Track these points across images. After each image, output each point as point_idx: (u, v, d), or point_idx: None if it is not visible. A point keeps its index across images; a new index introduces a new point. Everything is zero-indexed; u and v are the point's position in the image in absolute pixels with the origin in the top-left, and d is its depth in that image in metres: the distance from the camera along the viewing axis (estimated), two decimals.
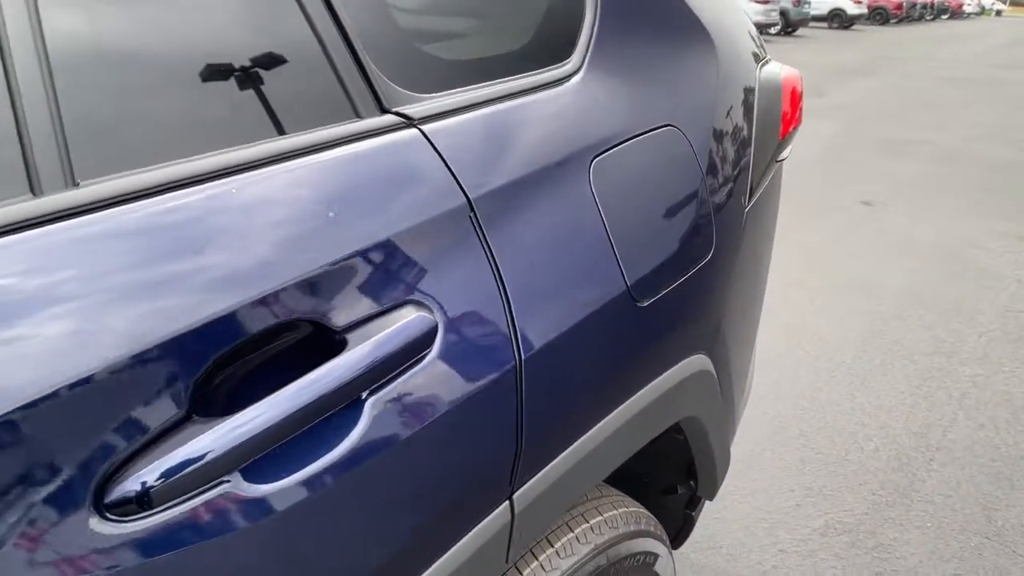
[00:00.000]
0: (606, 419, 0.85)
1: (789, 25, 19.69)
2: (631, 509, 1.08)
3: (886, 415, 2.56)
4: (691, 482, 1.25)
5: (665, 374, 0.95)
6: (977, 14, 37.69)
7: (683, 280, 0.93)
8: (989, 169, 5.97)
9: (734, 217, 1.06)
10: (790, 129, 1.26)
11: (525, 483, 0.74)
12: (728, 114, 1.06)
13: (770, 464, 2.29)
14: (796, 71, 1.34)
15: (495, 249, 0.69)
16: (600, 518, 1.00)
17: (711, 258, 0.98)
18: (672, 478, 1.28)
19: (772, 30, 19.21)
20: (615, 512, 1.04)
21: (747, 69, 1.17)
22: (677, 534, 1.37)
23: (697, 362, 1.02)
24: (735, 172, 1.06)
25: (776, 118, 1.21)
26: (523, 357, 0.70)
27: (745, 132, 1.11)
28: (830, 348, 3.01)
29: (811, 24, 22.69)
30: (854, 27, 24.21)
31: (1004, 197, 5.18)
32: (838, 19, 23.58)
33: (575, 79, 0.86)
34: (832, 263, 3.92)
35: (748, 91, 1.15)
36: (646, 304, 0.86)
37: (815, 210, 4.82)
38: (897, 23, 27.06)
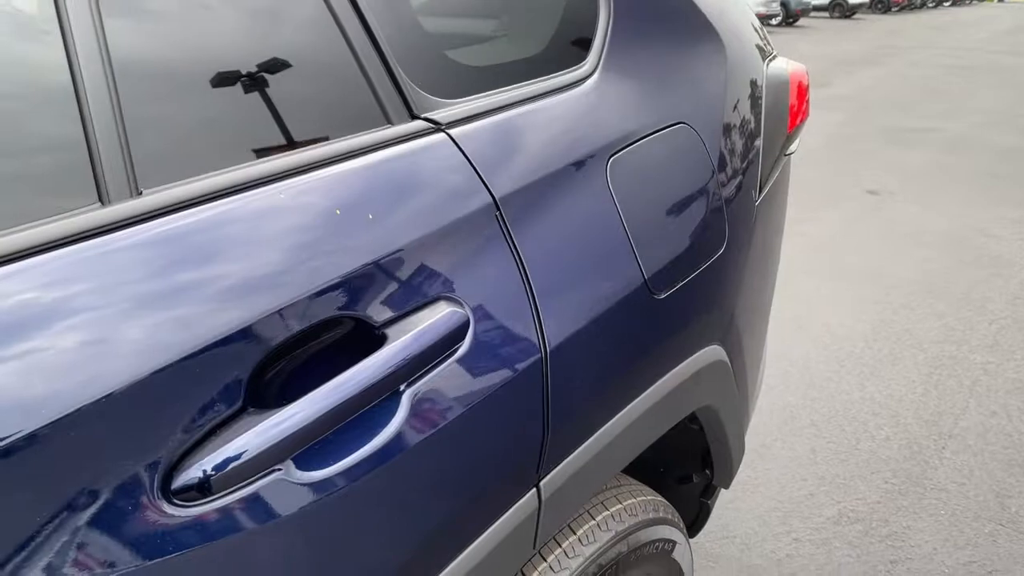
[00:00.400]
0: (626, 409, 0.87)
1: (790, 16, 19.63)
2: (649, 497, 1.10)
3: (897, 404, 2.58)
4: (706, 471, 1.27)
5: (681, 365, 0.97)
6: (980, 0, 37.46)
7: (697, 273, 0.95)
8: (997, 156, 5.95)
9: (745, 210, 1.08)
10: (798, 122, 1.27)
11: (551, 471, 0.76)
12: (737, 110, 1.08)
13: (782, 454, 2.31)
14: (802, 65, 1.36)
15: (520, 246, 0.72)
16: (620, 506, 1.02)
17: (724, 251, 1.00)
18: (688, 467, 1.30)
19: (773, 21, 19.15)
20: (634, 500, 1.06)
21: (754, 65, 1.18)
22: (693, 522, 1.39)
23: (712, 353, 1.04)
24: (745, 166, 1.08)
25: (784, 112, 1.22)
26: (548, 349, 0.72)
27: (754, 127, 1.13)
28: (839, 338, 3.03)
29: (812, 14, 22.61)
30: (855, 16, 24.12)
31: (1013, 184, 5.17)
32: (839, 8, 23.49)
33: (591, 81, 0.88)
34: (840, 253, 3.92)
35: (756, 87, 1.17)
36: (663, 296, 0.88)
37: (822, 200, 4.82)
38: (899, 11, 26.94)
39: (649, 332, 0.87)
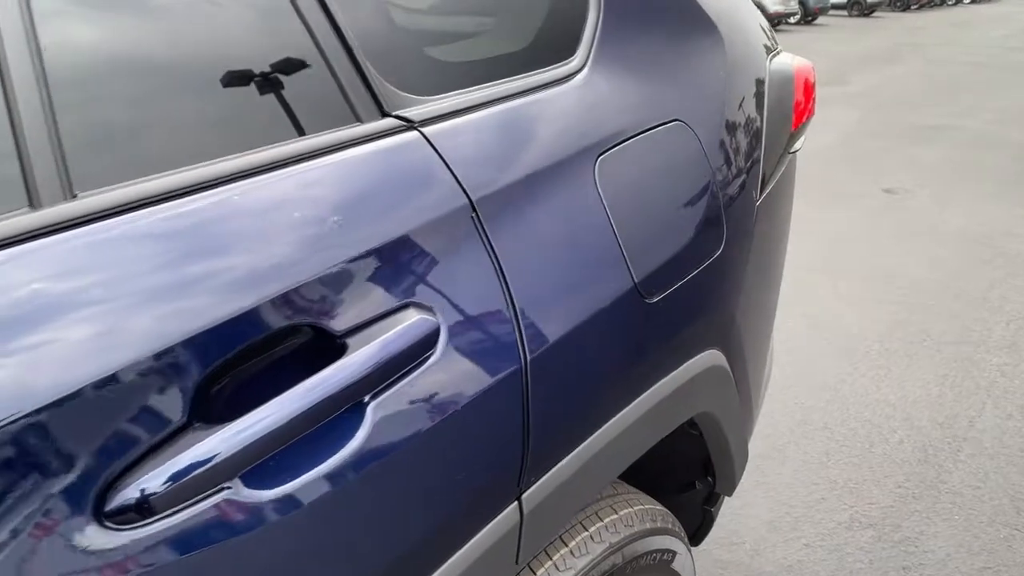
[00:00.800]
0: (616, 417, 0.84)
1: (808, 14, 19.43)
2: (647, 506, 1.07)
3: (911, 406, 2.52)
4: (708, 478, 1.24)
5: (677, 370, 0.94)
6: None
7: (693, 276, 0.92)
8: (1015, 154, 5.84)
9: (745, 211, 1.05)
10: (803, 120, 1.24)
11: (533, 484, 0.74)
12: (738, 107, 1.05)
13: (793, 457, 2.26)
14: (808, 62, 1.32)
15: (498, 249, 0.69)
16: (615, 516, 1.00)
17: (722, 253, 0.97)
18: (689, 474, 1.27)
19: (791, 19, 18.97)
20: (630, 510, 1.03)
21: (757, 60, 1.15)
22: (696, 531, 1.36)
23: (710, 357, 1.01)
24: (746, 165, 1.05)
25: (788, 109, 1.19)
26: (528, 357, 0.70)
27: (756, 124, 1.10)
28: (853, 338, 2.97)
29: (831, 12, 22.36)
30: (874, 14, 23.83)
31: None
32: (858, 6, 23.21)
33: (579, 76, 0.86)
34: (854, 252, 3.86)
35: (759, 83, 1.14)
36: (655, 300, 0.85)
37: (836, 199, 4.75)
38: (918, 9, 26.58)
39: (640, 337, 0.85)
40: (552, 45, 0.87)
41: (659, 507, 1.11)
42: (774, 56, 1.22)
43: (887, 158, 5.80)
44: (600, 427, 0.82)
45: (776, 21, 17.87)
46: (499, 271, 0.69)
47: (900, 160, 5.73)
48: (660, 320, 0.87)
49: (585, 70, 0.87)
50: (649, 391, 0.89)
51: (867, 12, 23.35)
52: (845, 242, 4.02)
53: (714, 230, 0.96)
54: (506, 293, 0.69)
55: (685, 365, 0.95)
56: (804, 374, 2.72)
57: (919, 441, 2.34)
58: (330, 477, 0.54)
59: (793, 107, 1.20)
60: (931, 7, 27.51)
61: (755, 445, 2.31)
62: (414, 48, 0.74)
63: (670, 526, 1.11)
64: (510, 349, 0.68)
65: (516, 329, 0.69)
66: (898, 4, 25.89)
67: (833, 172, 5.43)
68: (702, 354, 0.99)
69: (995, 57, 12.06)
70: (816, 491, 2.12)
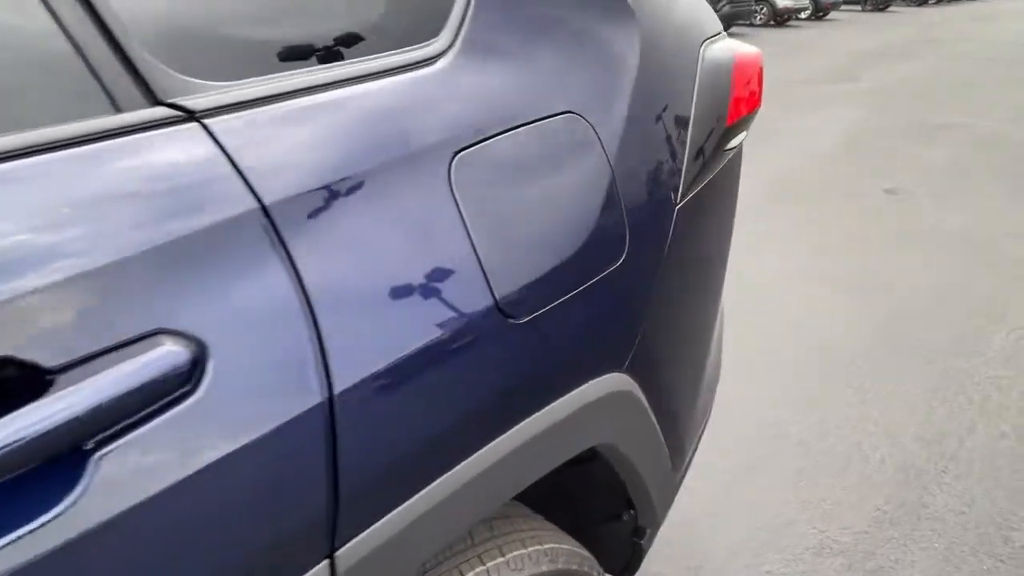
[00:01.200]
0: (475, 455, 0.72)
1: (820, 9, 19.10)
2: (547, 546, 0.95)
3: (896, 422, 2.38)
4: (632, 510, 1.11)
5: (562, 399, 0.81)
6: None
7: (581, 290, 0.79)
8: None
9: (659, 215, 0.92)
10: (743, 114, 1.11)
11: (352, 539, 0.62)
12: (652, 98, 0.92)
13: (764, 475, 2.13)
14: (755, 49, 1.19)
15: (300, 263, 0.57)
16: (501, 559, 0.88)
17: (622, 263, 0.84)
18: (613, 505, 1.15)
19: (802, 15, 18.66)
20: (523, 551, 0.91)
21: (683, 46, 1.02)
22: (626, 565, 1.24)
23: (612, 382, 0.88)
24: (661, 164, 0.92)
25: (723, 102, 1.06)
26: (336, 391, 0.58)
27: (678, 118, 0.97)
28: (840, 348, 2.82)
29: (844, 7, 21.99)
30: (890, 8, 23.41)
31: None
32: (872, 1, 22.81)
33: (443, 61, 0.73)
34: (848, 255, 3.70)
35: (685, 71, 1.01)
36: (524, 320, 0.73)
37: (835, 199, 4.58)
38: (937, 3, 26.09)
39: (504, 363, 0.72)
40: (410, 23, 0.74)
41: (565, 544, 0.99)
42: (710, 42, 1.09)
43: (892, 157, 5.62)
44: (451, 467, 0.69)
45: (786, 17, 17.57)
46: (300, 289, 0.57)
47: (905, 160, 5.54)
48: (534, 342, 0.74)
49: (451, 54, 0.74)
50: (524, 423, 0.77)
51: (882, 7, 22.93)
52: (839, 245, 3.86)
53: (612, 238, 0.83)
54: (308, 315, 0.57)
55: (575, 392, 0.83)
56: (783, 385, 2.58)
57: (902, 460, 2.19)
58: (30, 545, 0.43)
59: (730, 101, 1.07)
60: (950, 1, 27.00)
61: (724, 461, 2.18)
62: (208, 25, 0.62)
63: (577, 567, 0.99)
64: (309, 382, 0.56)
65: (319, 358, 0.57)
66: None
67: (834, 172, 5.26)
68: (600, 379, 0.86)
69: (1014, 53, 11.74)
70: (785, 513, 1.98)
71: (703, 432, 1.29)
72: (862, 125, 6.75)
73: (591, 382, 0.85)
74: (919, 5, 25.32)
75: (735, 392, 2.50)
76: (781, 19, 17.67)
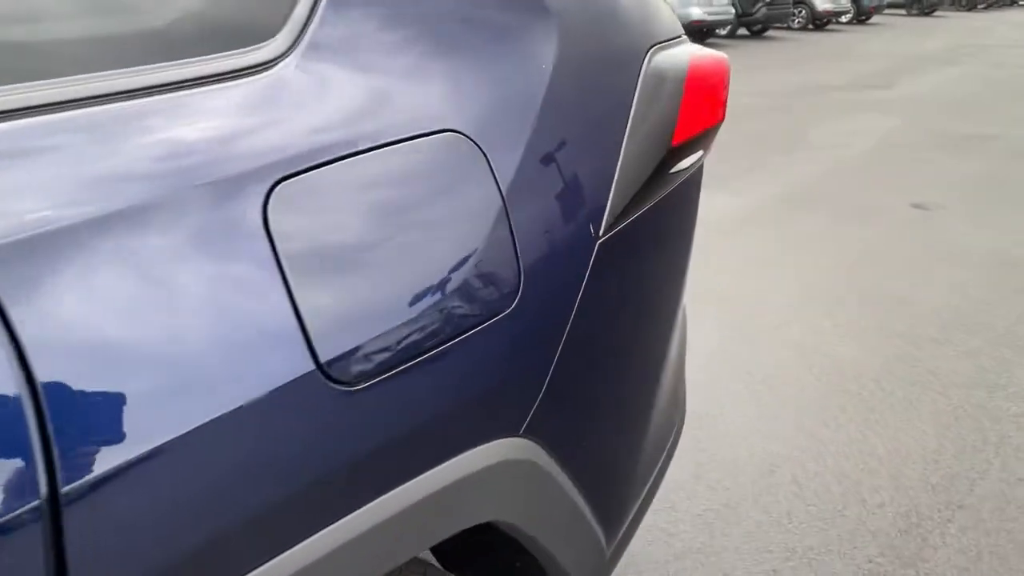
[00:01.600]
0: (308, 541, 0.59)
1: (862, 13, 18.57)
2: None
3: (902, 461, 2.19)
4: None
5: (433, 471, 0.68)
6: None
7: (450, 345, 0.66)
8: None
9: (571, 251, 0.78)
10: (695, 132, 0.96)
11: None
12: (570, 113, 0.78)
13: (749, 516, 1.96)
14: (719, 55, 1.04)
15: (20, 329, 0.45)
16: None
17: (514, 309, 0.71)
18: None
19: (843, 18, 18.15)
20: None
21: (620, 51, 0.88)
22: None
23: (503, 449, 0.74)
24: (576, 191, 0.78)
25: (669, 117, 0.91)
26: (62, 489, 0.45)
27: (604, 136, 0.83)
28: (846, 375, 2.63)
29: (887, 11, 21.36)
30: (936, 13, 22.68)
31: None
32: (918, 5, 22.12)
33: (278, 68, 0.60)
34: (865, 274, 3.49)
35: (619, 81, 0.87)
36: (362, 387, 0.60)
37: (857, 214, 4.35)
38: (985, 8, 25.23)
39: (335, 436, 0.59)
40: (236, 19, 0.61)
41: None
42: (660, 48, 0.94)
43: (922, 170, 5.35)
44: (273, 556, 0.57)
45: (825, 20, 17.10)
46: (19, 359, 0.45)
47: (936, 172, 5.27)
48: (376, 409, 0.61)
49: (290, 59, 0.61)
50: (382, 499, 0.64)
51: (928, 11, 22.23)
52: (857, 263, 3.64)
53: (499, 280, 0.69)
54: (30, 396, 0.45)
55: (449, 464, 0.69)
56: (780, 415, 2.40)
57: (904, 505, 2.01)
58: None
59: (678, 115, 0.92)
60: (999, 7, 26.08)
61: (707, 497, 2.02)
62: None
63: None
64: (25, 489, 0.44)
65: (39, 456, 0.45)
66: (963, 3, 24.60)
67: (860, 182, 5.02)
68: (485, 447, 0.73)
69: None
70: (767, 561, 1.82)
71: (652, 492, 1.14)
72: (894, 134, 6.46)
73: (472, 451, 0.71)
74: (968, 10, 24.51)
75: (726, 421, 2.34)
76: (820, 23, 17.21)
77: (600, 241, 0.81)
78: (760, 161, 5.61)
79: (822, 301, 3.21)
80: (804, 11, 16.95)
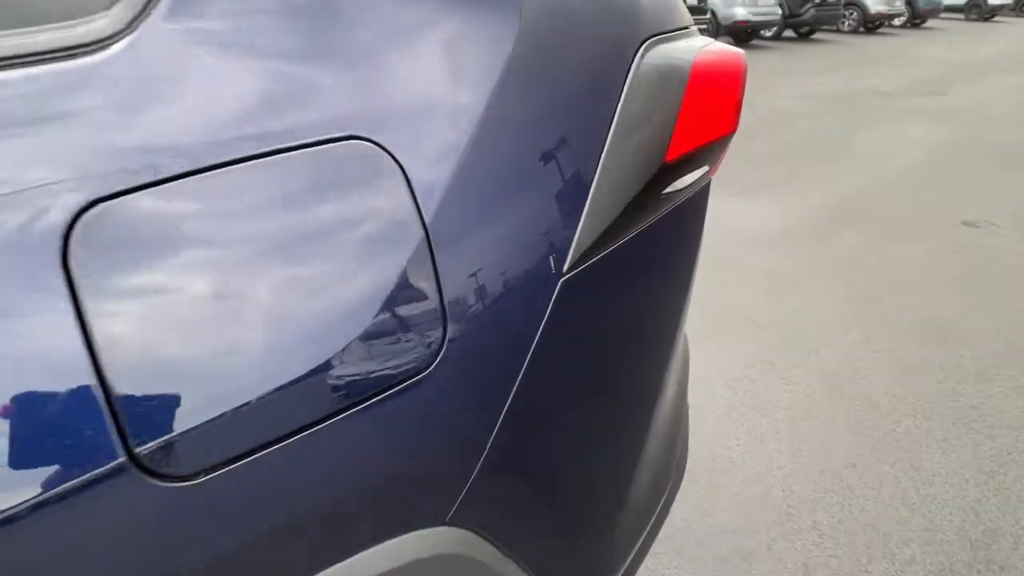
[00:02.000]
0: None
1: (916, 16, 17.89)
2: None
3: (937, 511, 1.98)
4: None
5: (325, 572, 0.53)
6: None
7: (340, 420, 0.50)
8: None
9: (523, 292, 0.62)
10: (698, 145, 0.79)
11: None
12: (523, 120, 0.62)
13: (761, 567, 1.78)
14: (735, 52, 0.86)
15: None
16: None
17: (435, 370, 0.55)
18: None
19: (896, 21, 17.51)
20: None
21: (603, 43, 0.71)
22: None
23: (424, 544, 0.59)
24: (531, 217, 0.62)
25: (664, 126, 0.75)
26: None
27: (575, 149, 0.67)
28: (880, 410, 2.41)
29: (943, 15, 20.57)
30: (995, 19, 21.76)
31: None
32: (976, 9, 21.25)
33: (112, 50, 0.46)
34: (909, 298, 3.24)
35: (600, 82, 0.70)
36: (202, 480, 0.45)
37: (900, 230, 4.08)
38: None
39: (157, 549, 0.44)
40: None
41: None
42: (657, 42, 0.77)
43: (975, 185, 5.03)
44: None
45: (877, 23, 16.50)
46: None
47: (990, 188, 4.95)
48: (221, 507, 0.46)
49: (124, 39, 0.46)
50: None
51: (987, 16, 21.33)
52: (899, 285, 3.39)
53: (414, 333, 0.54)
54: None
55: (340, 567, 0.54)
56: (803, 453, 2.20)
57: (937, 562, 1.80)
58: None
59: (675, 123, 0.75)
60: None
61: (716, 543, 1.84)
62: None
63: None
64: None
65: None
66: None
67: (907, 197, 4.73)
68: (397, 541, 0.57)
69: None
70: None
71: (639, 559, 0.97)
72: (945, 145, 6.12)
73: (373, 550, 0.56)
74: None
75: (742, 456, 2.15)
76: (872, 25, 16.62)
77: (564, 278, 0.65)
78: (800, 169, 5.34)
79: (859, 326, 2.98)
80: (855, 13, 16.37)
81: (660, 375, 0.89)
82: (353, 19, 0.54)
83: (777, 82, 9.62)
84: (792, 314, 3.05)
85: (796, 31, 15.58)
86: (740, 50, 0.88)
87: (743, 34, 14.01)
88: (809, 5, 14.48)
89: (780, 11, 14.02)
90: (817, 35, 16.28)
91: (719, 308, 3.08)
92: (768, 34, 14.90)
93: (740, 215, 4.26)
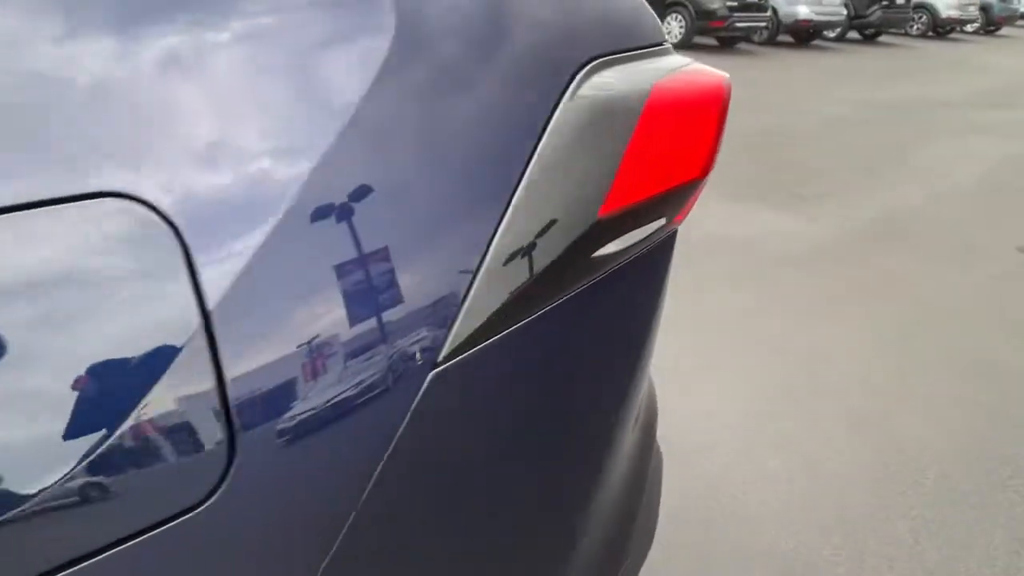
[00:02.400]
0: None
1: (991, 23, 16.98)
2: None
3: None
4: None
5: None
6: None
7: (74, 571, 0.38)
8: None
9: (366, 393, 0.49)
10: (648, 196, 0.64)
11: None
12: (388, 163, 0.49)
13: None
14: (713, 76, 0.71)
15: None
16: None
17: (216, 502, 0.42)
18: None
19: (968, 28, 16.65)
20: None
21: (523, 63, 0.57)
22: None
23: None
24: (383, 290, 0.49)
25: (601, 171, 0.60)
26: None
27: (470, 198, 0.53)
28: (907, 458, 2.21)
29: (1019, 22, 19.50)
30: None
31: None
32: None
33: None
34: (955, 331, 2.99)
35: (516, 112, 0.56)
36: None
37: (951, 255, 3.80)
38: None
39: None
40: None
41: None
42: (604, 64, 0.63)
43: None
44: None
45: (948, 28, 15.70)
46: None
47: None
48: None
49: None
50: None
51: None
52: (941, 316, 3.14)
53: (183, 453, 0.41)
54: None
55: None
56: (817, 502, 2.02)
57: None
58: None
59: (615, 170, 0.61)
60: None
61: None
62: None
63: None
64: None
65: None
66: None
67: (959, 218, 4.42)
68: None
69: None
70: None
71: None
72: (1009, 162, 5.72)
73: None
74: None
75: (749, 502, 1.98)
76: (942, 30, 15.84)
77: (438, 370, 0.51)
78: (846, 182, 5.05)
79: (896, 361, 2.75)
80: (925, 17, 15.61)
81: (601, 458, 0.75)
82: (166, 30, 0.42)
83: (835, 86, 9.20)
84: (821, 344, 2.84)
85: (861, 33, 14.95)
86: (722, 73, 0.73)
87: (805, 34, 13.50)
88: (876, 6, 13.87)
89: (845, 11, 13.46)
90: (883, 38, 15.59)
91: (739, 332, 2.89)
92: (831, 35, 14.32)
93: (775, 229, 4.02)
